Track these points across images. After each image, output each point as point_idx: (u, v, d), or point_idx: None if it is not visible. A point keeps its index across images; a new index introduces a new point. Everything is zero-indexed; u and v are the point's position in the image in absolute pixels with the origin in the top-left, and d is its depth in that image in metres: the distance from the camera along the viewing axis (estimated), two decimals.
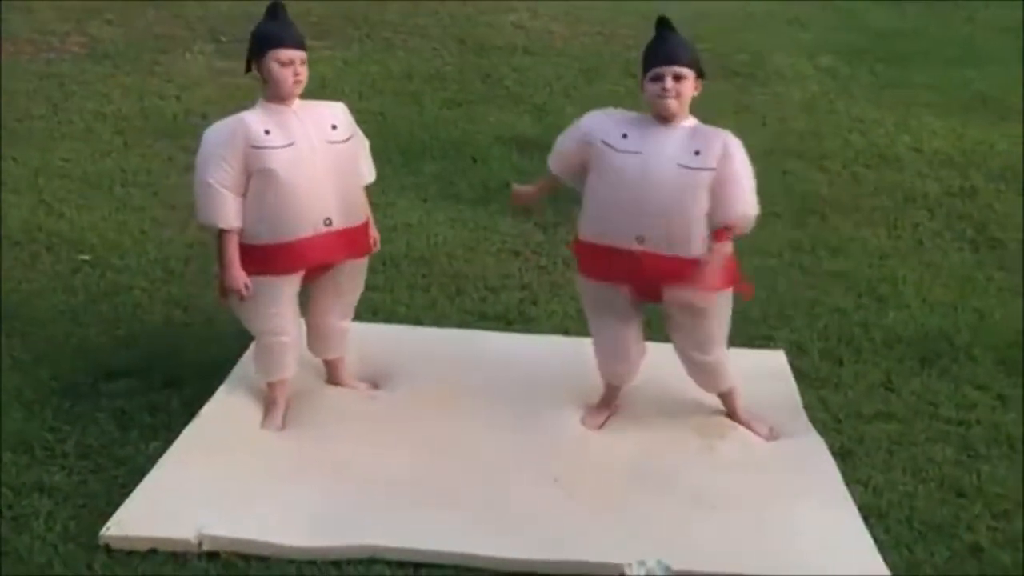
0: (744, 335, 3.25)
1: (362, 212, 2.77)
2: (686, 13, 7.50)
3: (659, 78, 2.55)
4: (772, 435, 2.78)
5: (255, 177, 2.57)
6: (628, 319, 2.72)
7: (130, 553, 2.26)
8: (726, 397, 2.82)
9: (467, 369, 3.01)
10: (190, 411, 2.75)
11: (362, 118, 5.38)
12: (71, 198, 4.21)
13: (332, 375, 2.94)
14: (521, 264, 3.84)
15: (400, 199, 4.25)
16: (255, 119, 2.60)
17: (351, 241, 2.72)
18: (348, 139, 2.70)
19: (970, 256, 4.04)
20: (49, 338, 3.16)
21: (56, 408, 2.80)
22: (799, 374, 3.10)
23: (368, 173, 2.81)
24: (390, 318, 3.36)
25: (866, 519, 2.46)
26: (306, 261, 2.66)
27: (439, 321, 3.39)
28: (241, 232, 2.62)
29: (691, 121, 2.62)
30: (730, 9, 7.74)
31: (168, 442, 2.62)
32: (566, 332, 3.35)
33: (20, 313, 3.29)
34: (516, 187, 2.97)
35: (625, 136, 2.58)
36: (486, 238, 4.03)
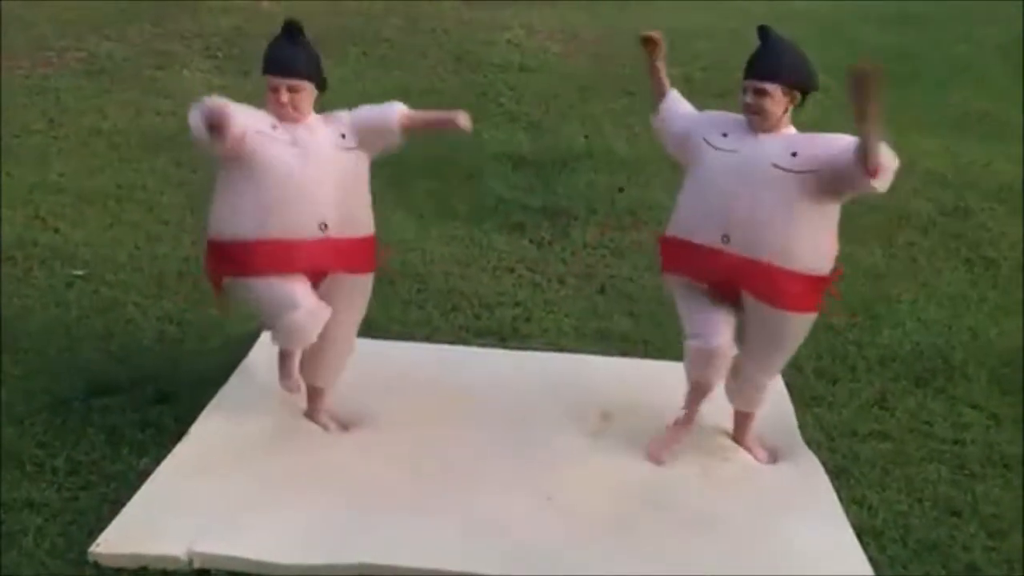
0: None
1: (365, 225, 2.68)
2: (681, 31, 7.56)
3: (744, 91, 2.53)
4: (770, 459, 2.76)
5: (255, 165, 2.49)
6: (719, 306, 2.59)
7: (119, 570, 2.25)
8: (745, 418, 2.76)
9: (461, 386, 3.00)
10: (182, 427, 2.73)
11: None
12: (66, 213, 4.20)
13: (310, 404, 2.82)
14: (515, 281, 3.84)
15: (395, 215, 4.25)
16: (266, 115, 2.58)
17: (349, 253, 2.62)
18: (356, 147, 2.64)
19: (964, 275, 4.04)
20: (41, 353, 3.15)
21: (47, 423, 2.78)
22: (794, 392, 3.09)
23: (386, 107, 2.70)
24: (385, 334, 3.35)
25: (861, 538, 2.45)
26: (298, 263, 2.55)
27: (433, 337, 3.39)
28: (229, 227, 2.52)
29: (791, 129, 2.57)
30: (726, 28, 7.78)
31: (159, 458, 2.61)
32: (560, 349, 3.34)
33: (12, 328, 3.27)
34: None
35: (725, 135, 2.56)
36: (481, 255, 4.03)
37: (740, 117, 2.60)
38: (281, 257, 2.53)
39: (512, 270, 3.91)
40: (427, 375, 3.06)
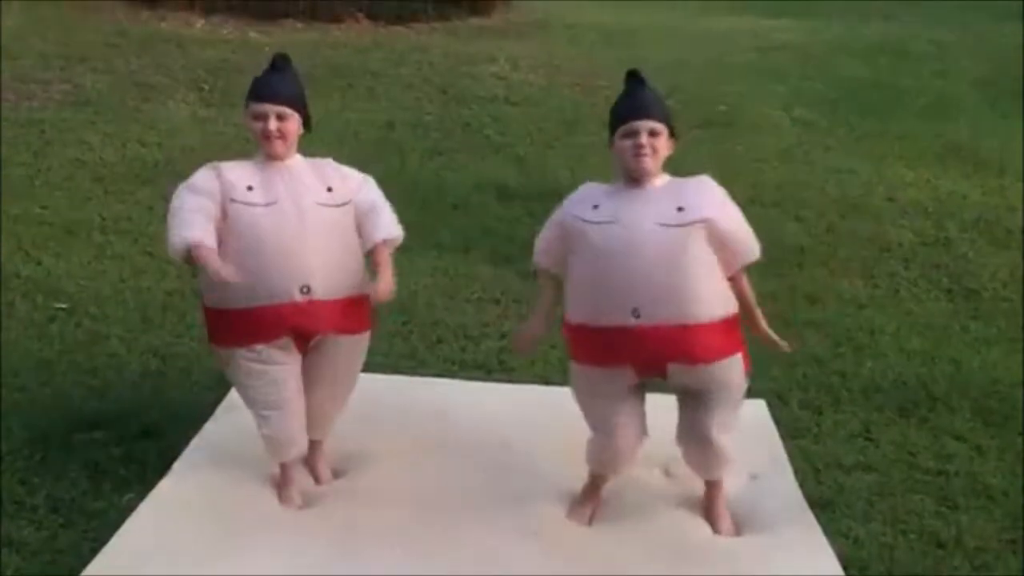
0: None
1: (355, 284, 2.54)
2: (663, 63, 7.65)
3: (633, 134, 2.39)
4: (735, 531, 2.58)
5: (231, 235, 2.43)
6: (630, 403, 2.50)
7: None
8: (714, 486, 2.60)
9: (446, 419, 2.99)
10: (165, 463, 2.71)
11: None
12: (49, 245, 4.18)
13: (309, 455, 2.72)
14: (500, 313, 3.84)
15: None
16: (239, 172, 2.49)
17: (339, 313, 2.51)
18: (344, 204, 2.53)
19: (946, 305, 4.08)
20: (22, 387, 3.12)
21: (27, 459, 2.75)
22: (778, 424, 3.10)
23: (382, 230, 2.58)
24: (369, 366, 3.31)
25: (847, 570, 2.45)
26: (279, 330, 2.47)
27: (418, 369, 3.38)
28: (214, 295, 2.47)
29: (664, 178, 2.46)
30: (707, 60, 7.88)
31: (142, 495, 2.58)
32: (546, 381, 3.34)
33: None
34: (516, 334, 2.68)
35: (596, 207, 2.41)
36: (466, 286, 4.03)
37: (603, 185, 2.49)
38: (261, 325, 2.44)
39: (498, 302, 3.92)
40: (412, 408, 3.05)
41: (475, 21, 9.16)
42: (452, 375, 3.35)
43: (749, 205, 4.87)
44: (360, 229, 2.57)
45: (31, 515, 2.54)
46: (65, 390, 3.13)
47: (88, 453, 2.78)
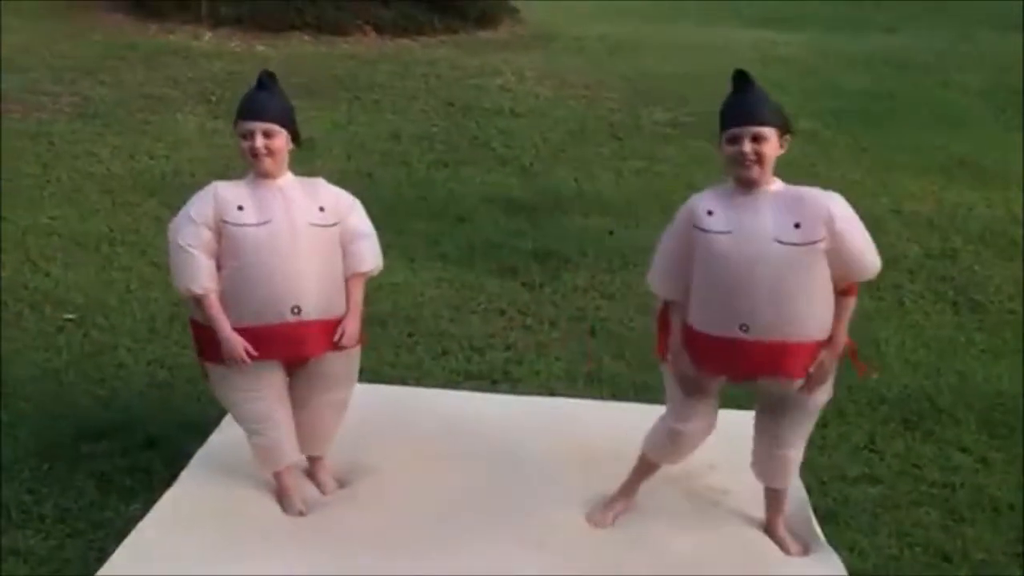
0: (728, 396, 3.26)
1: (344, 303, 2.54)
2: (668, 75, 7.68)
3: (736, 140, 2.28)
4: (803, 551, 2.55)
5: (225, 255, 2.43)
6: (712, 400, 2.50)
7: None
8: (776, 496, 2.57)
9: (451, 430, 3.00)
10: (172, 472, 2.72)
11: (350, 178, 5.46)
12: (57, 257, 4.21)
13: (312, 468, 2.76)
14: (506, 324, 3.85)
15: (387, 258, 4.24)
16: (232, 192, 2.46)
17: (328, 334, 2.50)
18: (334, 225, 2.51)
19: (951, 318, 4.08)
20: (30, 397, 3.13)
21: (34, 469, 2.77)
22: None
23: (367, 262, 2.58)
24: (375, 377, 3.35)
25: None
26: (269, 351, 2.46)
27: (424, 381, 3.39)
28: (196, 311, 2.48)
29: (778, 185, 2.34)
30: (711, 72, 7.90)
31: (148, 504, 2.59)
32: (551, 392, 3.35)
33: (1, 372, 3.26)
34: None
35: (711, 213, 2.30)
36: (472, 297, 4.04)
37: (720, 188, 2.37)
38: (253, 345, 2.44)
39: (503, 313, 3.93)
40: (417, 419, 3.05)
41: (482, 34, 9.21)
42: (457, 386, 3.36)
43: None
44: (343, 253, 2.55)
45: (38, 524, 2.55)
46: (72, 400, 3.14)
47: (95, 463, 2.80)
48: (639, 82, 7.25)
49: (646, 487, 2.68)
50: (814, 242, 2.24)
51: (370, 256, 2.60)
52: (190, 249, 2.44)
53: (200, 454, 2.80)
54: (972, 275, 4.48)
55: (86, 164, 5.34)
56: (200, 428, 2.93)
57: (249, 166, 2.51)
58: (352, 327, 2.55)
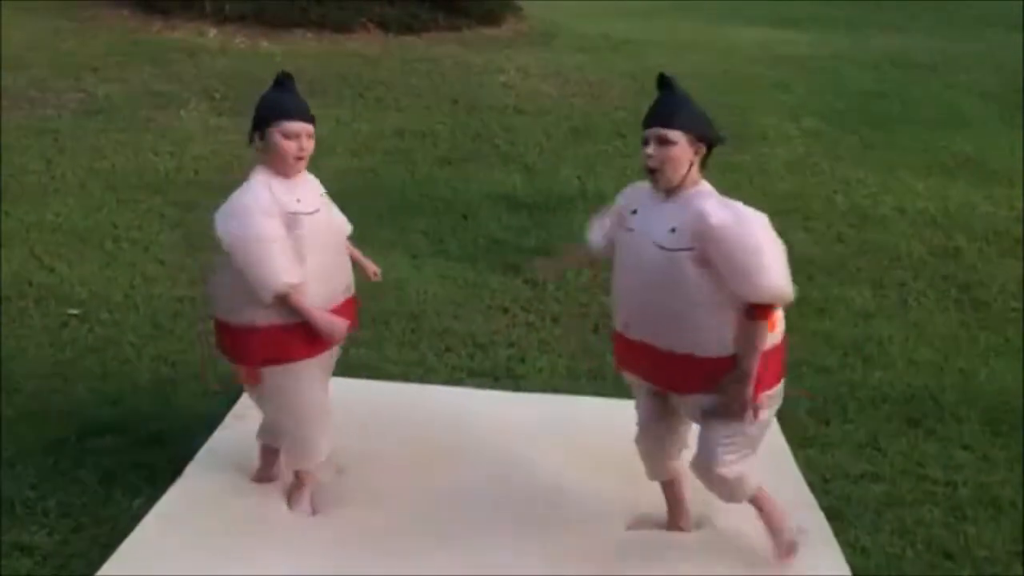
0: None
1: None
2: (672, 73, 7.67)
3: (645, 142, 2.29)
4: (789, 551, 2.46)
5: (301, 244, 2.41)
6: (656, 412, 2.44)
7: None
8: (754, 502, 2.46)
9: (454, 427, 3.00)
10: (175, 468, 2.73)
11: (354, 175, 5.46)
12: (62, 252, 4.22)
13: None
14: (509, 321, 3.85)
15: (390, 255, 4.28)
16: (278, 186, 2.43)
17: (353, 315, 2.61)
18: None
19: (955, 316, 4.07)
20: (34, 393, 3.14)
21: (39, 465, 2.77)
22: (787, 434, 3.09)
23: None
24: (378, 374, 3.36)
25: None
26: (344, 329, 2.51)
27: (427, 378, 3.39)
28: (269, 311, 2.40)
29: (696, 189, 2.28)
30: (716, 71, 7.89)
31: (152, 499, 2.60)
32: (554, 389, 3.35)
33: (6, 367, 3.27)
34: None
35: (635, 212, 2.34)
36: (475, 295, 4.05)
37: (648, 186, 2.35)
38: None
39: (506, 310, 3.93)
40: (421, 416, 3.06)
41: (486, 31, 9.21)
42: (460, 383, 3.36)
43: None
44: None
45: (43, 519, 2.56)
46: (77, 396, 3.15)
47: (99, 458, 2.80)
48: (643, 80, 7.25)
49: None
50: (682, 249, 2.20)
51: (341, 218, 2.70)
52: (272, 242, 2.36)
53: (204, 450, 2.81)
54: (975, 273, 4.47)
55: (90, 160, 5.35)
56: (204, 424, 2.94)
57: (277, 163, 2.45)
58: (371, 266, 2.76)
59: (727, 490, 2.39)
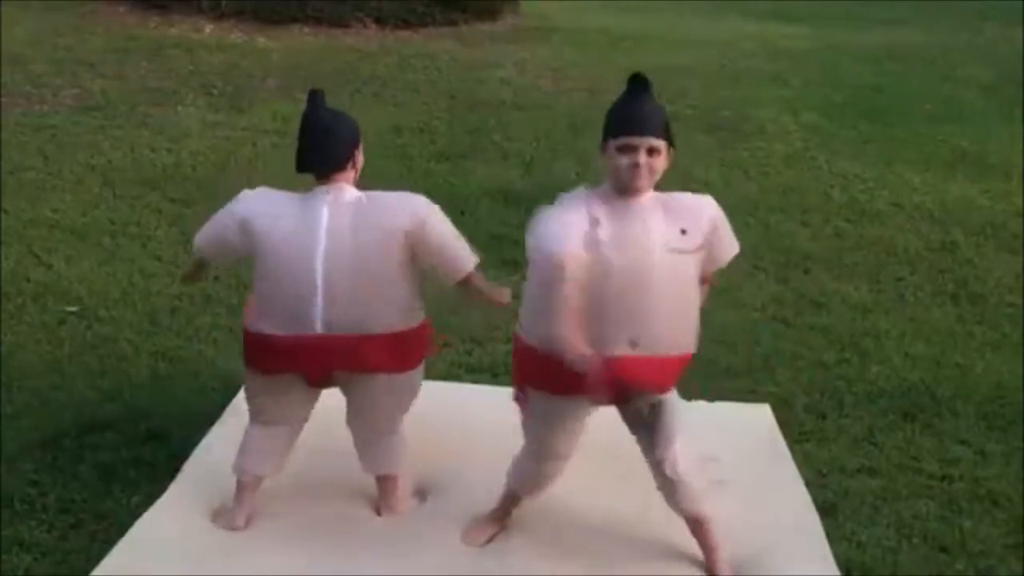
0: (728, 389, 3.27)
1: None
2: (670, 68, 7.67)
3: (630, 150, 2.15)
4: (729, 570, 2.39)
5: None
6: (577, 433, 2.39)
7: None
8: (695, 524, 2.38)
9: (452, 423, 3.01)
10: (174, 464, 2.73)
11: None
12: (59, 249, 4.22)
13: (380, 494, 2.60)
14: (507, 316, 3.85)
15: None
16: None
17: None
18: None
19: (952, 311, 4.08)
20: (33, 390, 3.15)
21: (38, 461, 2.78)
22: (783, 428, 3.10)
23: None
24: None
25: (850, 575, 2.45)
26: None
27: (424, 373, 3.39)
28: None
29: (651, 192, 2.24)
30: (713, 65, 7.89)
31: (151, 496, 2.60)
32: None
33: (4, 364, 3.28)
34: None
35: (598, 224, 2.18)
36: None
37: (600, 194, 2.23)
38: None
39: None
40: (418, 412, 3.05)
41: (482, 26, 9.20)
42: (458, 379, 3.37)
43: (755, 209, 4.95)
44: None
45: (41, 515, 2.57)
46: (75, 392, 3.16)
47: (97, 455, 2.81)
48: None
49: (648, 482, 2.68)
50: (696, 249, 2.20)
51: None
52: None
53: (202, 446, 2.81)
54: (973, 268, 4.48)
55: (88, 157, 5.34)
56: (202, 420, 2.95)
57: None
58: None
59: (690, 490, 2.39)
